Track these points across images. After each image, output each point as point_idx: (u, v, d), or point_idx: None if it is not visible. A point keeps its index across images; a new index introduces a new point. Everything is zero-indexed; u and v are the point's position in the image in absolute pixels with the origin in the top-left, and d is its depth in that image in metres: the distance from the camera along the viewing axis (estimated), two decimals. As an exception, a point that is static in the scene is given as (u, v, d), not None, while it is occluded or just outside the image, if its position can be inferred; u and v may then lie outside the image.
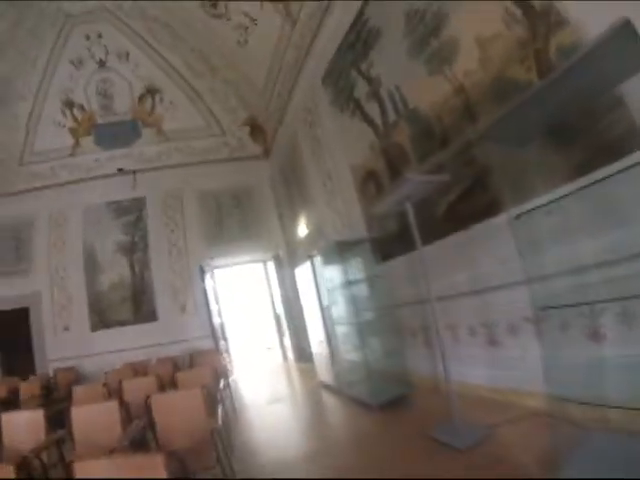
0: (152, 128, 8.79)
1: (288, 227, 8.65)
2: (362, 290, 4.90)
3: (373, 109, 4.87)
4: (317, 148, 6.57)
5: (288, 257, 8.67)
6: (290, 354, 8.78)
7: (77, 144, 8.58)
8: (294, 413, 4.80)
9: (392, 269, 4.76)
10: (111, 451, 2.26)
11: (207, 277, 8.38)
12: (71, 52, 7.73)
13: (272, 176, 9.14)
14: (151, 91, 8.50)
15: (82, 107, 8.42)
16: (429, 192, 3.18)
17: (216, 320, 8.26)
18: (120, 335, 7.83)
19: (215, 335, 8.02)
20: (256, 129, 9.09)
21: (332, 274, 5.15)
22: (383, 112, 4.68)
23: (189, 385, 3.46)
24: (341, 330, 5.10)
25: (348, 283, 4.81)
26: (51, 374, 7.15)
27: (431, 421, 3.08)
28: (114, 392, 4.07)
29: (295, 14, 6.10)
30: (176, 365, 5.98)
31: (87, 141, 8.61)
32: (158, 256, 8.34)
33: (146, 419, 2.78)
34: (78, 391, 4.18)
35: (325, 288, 5.26)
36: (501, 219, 3.00)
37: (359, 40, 4.90)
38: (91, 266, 8.16)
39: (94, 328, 7.94)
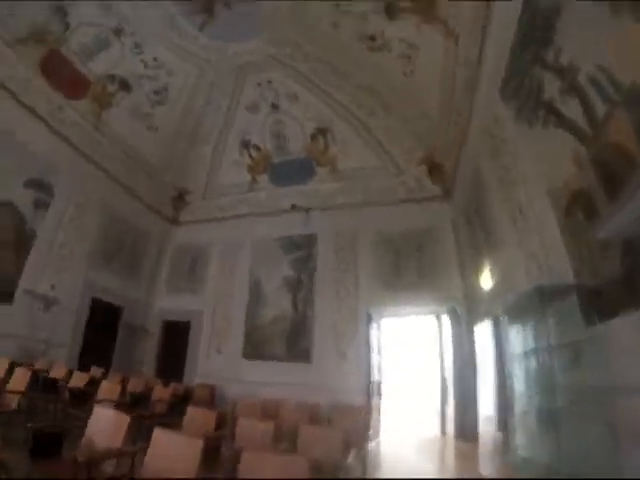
0: (326, 167, 9.08)
1: (470, 277, 7.31)
2: (561, 361, 3.39)
3: (572, 108, 3.55)
4: (505, 177, 5.31)
5: (467, 312, 7.27)
6: (450, 427, 7.14)
7: (254, 181, 9.62)
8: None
9: (611, 333, 3.13)
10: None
11: (373, 325, 7.79)
12: (246, 98, 8.77)
13: (454, 218, 8.07)
14: (323, 131, 8.81)
15: (258, 147, 9.41)
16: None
17: (374, 374, 7.48)
18: (269, 368, 7.91)
19: (370, 390, 7.22)
20: (435, 168, 8.32)
21: (520, 336, 3.89)
22: (587, 107, 3.32)
23: (307, 448, 2.85)
24: (522, 411, 3.64)
25: (541, 349, 3.44)
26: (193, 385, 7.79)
27: None
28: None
29: (453, 26, 5.40)
30: (313, 416, 5.45)
31: (263, 178, 9.52)
32: (323, 296, 8.24)
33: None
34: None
35: (509, 354, 3.98)
36: None
37: (534, 28, 3.81)
38: (254, 297, 8.68)
39: (245, 356, 8.27)
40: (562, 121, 3.73)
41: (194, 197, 10.49)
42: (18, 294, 6.42)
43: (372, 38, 6.74)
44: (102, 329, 8.20)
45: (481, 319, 5.52)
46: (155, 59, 7.64)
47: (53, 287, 7.07)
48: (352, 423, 4.50)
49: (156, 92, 8.23)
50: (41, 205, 6.92)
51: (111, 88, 7.67)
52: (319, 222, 8.87)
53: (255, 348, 8.37)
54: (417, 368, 9.98)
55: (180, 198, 10.52)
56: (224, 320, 8.91)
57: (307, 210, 9.00)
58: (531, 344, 3.72)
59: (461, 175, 7.26)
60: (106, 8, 6.62)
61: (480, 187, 6.27)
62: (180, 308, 9.30)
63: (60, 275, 7.26)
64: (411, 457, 5.94)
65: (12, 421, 3.80)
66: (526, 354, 3.69)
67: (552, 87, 3.80)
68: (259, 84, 8.53)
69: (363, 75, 7.69)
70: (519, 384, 3.73)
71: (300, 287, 8.51)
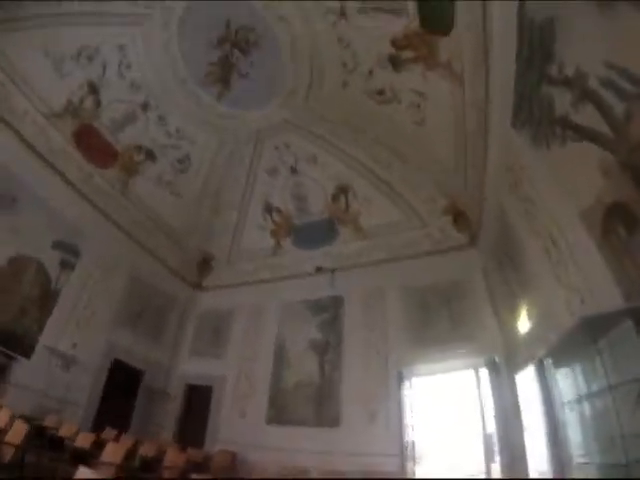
0: (349, 226, 8.99)
1: (506, 323, 6.61)
2: (624, 403, 2.66)
3: (587, 116, 3.25)
4: (530, 209, 4.91)
5: (506, 361, 6.48)
6: None
7: (278, 245, 9.63)
8: None
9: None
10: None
11: (406, 385, 7.07)
12: (266, 163, 9.07)
13: (483, 265, 7.57)
14: (343, 189, 8.86)
15: (279, 210, 9.53)
16: None
17: (409, 437, 6.58)
18: (295, 434, 7.28)
19: (404, 455, 6.34)
20: (459, 216, 8.02)
21: (569, 378, 3.27)
22: (604, 110, 3.02)
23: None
24: (580, 466, 2.83)
25: (597, 392, 2.78)
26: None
27: None
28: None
29: (457, 68, 5.45)
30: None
31: (286, 242, 9.52)
32: (352, 358, 7.72)
33: None
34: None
35: (558, 401, 3.29)
36: None
37: (533, 46, 3.72)
38: (279, 361, 8.30)
39: (269, 421, 7.73)
40: (580, 132, 3.42)
41: (218, 262, 10.61)
42: (38, 349, 6.46)
43: (381, 92, 6.95)
44: (122, 391, 8.02)
45: (523, 366, 4.92)
46: (177, 130, 8.28)
47: (74, 346, 7.09)
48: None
49: (179, 161, 8.79)
50: (67, 266, 7.20)
51: (137, 157, 8.26)
52: (344, 282, 8.59)
53: (279, 413, 7.81)
54: (456, 427, 8.64)
55: (205, 263, 10.65)
56: (247, 384, 8.51)
57: (332, 271, 8.79)
58: (583, 387, 3.03)
59: (486, 218, 6.88)
60: (136, 87, 7.41)
61: (507, 225, 5.86)
62: (203, 372, 9.07)
63: (82, 334, 7.30)
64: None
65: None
66: (579, 399, 2.99)
67: (563, 101, 3.57)
68: (277, 148, 8.86)
69: (376, 129, 7.81)
70: (575, 435, 2.96)
71: (327, 349, 8.02)
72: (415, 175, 8.22)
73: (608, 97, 2.93)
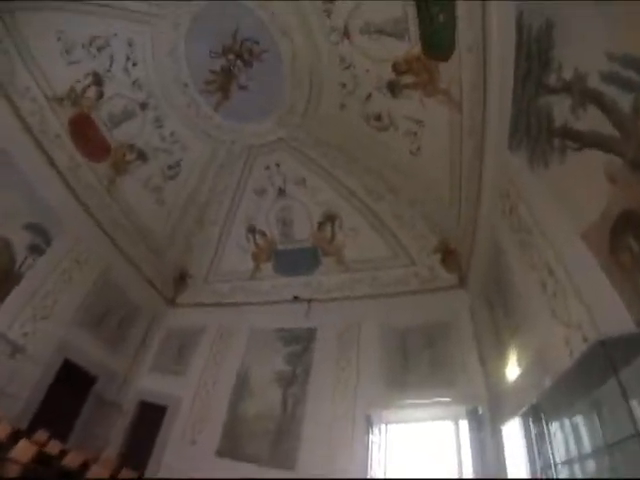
0: (332, 257, 8.57)
1: (492, 370, 5.95)
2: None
3: (589, 119, 2.96)
4: (526, 239, 4.49)
5: (490, 413, 5.77)
6: None
7: (257, 268, 9.18)
8: None
9: None
10: None
11: (375, 431, 6.26)
12: (254, 182, 8.78)
13: (471, 307, 7.08)
14: (330, 218, 8.52)
15: (264, 233, 9.15)
16: None
17: None
18: (245, 471, 6.37)
19: None
20: (449, 255, 7.66)
21: (566, 433, 2.68)
22: (608, 108, 2.72)
23: None
24: None
25: (602, 450, 2.18)
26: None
27: None
28: None
29: (457, 95, 5.33)
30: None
31: (267, 267, 9.07)
32: (318, 395, 6.99)
33: None
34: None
35: (551, 460, 2.71)
36: None
37: (532, 55, 3.55)
38: (241, 388, 7.60)
39: (220, 453, 6.89)
40: (582, 139, 3.12)
41: (195, 280, 10.11)
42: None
43: (378, 117, 6.84)
44: (69, 394, 7.29)
45: (508, 418, 4.33)
46: (172, 134, 8.08)
47: (26, 335, 6.47)
48: None
49: (170, 167, 8.53)
50: (36, 250, 6.72)
51: (129, 156, 8.01)
52: (320, 315, 8.05)
53: (232, 445, 6.95)
54: None
55: (181, 279, 10.15)
56: (203, 409, 7.70)
57: (309, 301, 8.28)
58: (586, 443, 2.40)
59: (477, 255, 6.50)
60: (139, 85, 7.37)
61: (499, 261, 5.46)
62: (160, 390, 8.32)
63: (37, 325, 6.66)
64: None
65: None
66: (582, 459, 2.36)
67: (562, 109, 3.31)
68: (267, 167, 8.64)
69: (371, 157, 7.62)
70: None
71: (293, 382, 7.32)
72: (407, 209, 7.94)
73: (611, 92, 2.66)
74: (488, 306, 6.14)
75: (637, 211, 2.64)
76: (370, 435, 6.08)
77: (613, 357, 2.37)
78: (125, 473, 6.25)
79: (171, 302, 9.99)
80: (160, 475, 6.96)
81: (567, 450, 3.05)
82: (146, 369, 8.89)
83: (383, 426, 6.52)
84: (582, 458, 2.81)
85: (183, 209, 9.24)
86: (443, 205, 7.04)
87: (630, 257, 2.69)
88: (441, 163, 6.41)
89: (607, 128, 2.74)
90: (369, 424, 6.17)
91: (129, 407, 8.27)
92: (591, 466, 2.67)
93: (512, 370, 4.90)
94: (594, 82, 2.82)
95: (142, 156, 8.13)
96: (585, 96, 2.96)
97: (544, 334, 4.04)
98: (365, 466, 5.90)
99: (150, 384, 8.54)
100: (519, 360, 4.73)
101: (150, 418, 7.99)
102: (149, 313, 9.45)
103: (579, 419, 2.94)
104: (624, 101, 2.55)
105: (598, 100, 2.81)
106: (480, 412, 5.85)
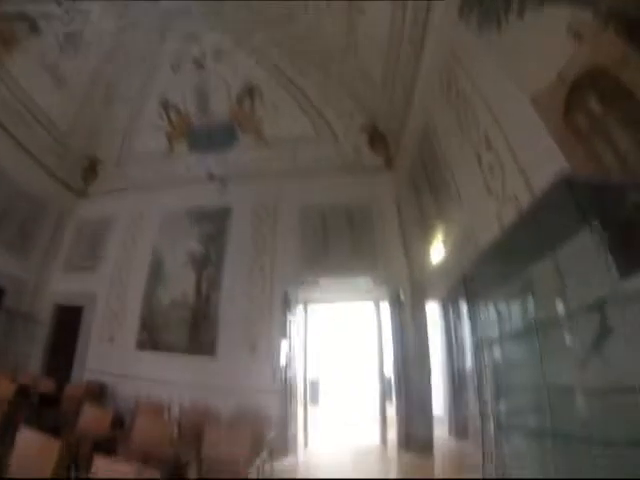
0: (251, 133, 7.68)
1: (417, 255, 6.07)
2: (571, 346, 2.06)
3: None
4: (463, 111, 4.10)
5: (412, 296, 6.08)
6: (393, 435, 5.84)
7: (171, 148, 8.04)
8: None
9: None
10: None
11: (295, 311, 6.33)
12: (169, 54, 7.21)
13: (397, 191, 6.99)
14: (250, 91, 7.43)
15: (178, 109, 7.85)
16: None
17: (295, 371, 6.01)
18: (166, 362, 6.31)
19: (288, 392, 5.73)
20: (376, 136, 7.27)
21: (492, 313, 2.75)
22: None
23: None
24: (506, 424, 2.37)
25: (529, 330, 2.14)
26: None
27: None
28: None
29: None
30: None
31: (181, 145, 7.96)
32: (233, 276, 6.72)
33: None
34: None
35: (475, 341, 2.72)
36: None
37: None
38: (155, 276, 7.05)
39: (140, 346, 6.63)
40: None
41: (105, 166, 8.68)
42: None
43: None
44: None
45: (430, 299, 4.51)
46: (74, -2, 5.82)
47: None
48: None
49: (68, 38, 6.44)
50: None
51: (18, 27, 6.01)
52: (237, 194, 7.43)
53: (151, 336, 6.67)
54: (353, 365, 8.43)
55: (91, 168, 8.68)
56: (119, 303, 7.18)
57: (223, 179, 7.52)
58: (509, 323, 2.44)
59: (408, 138, 6.21)
60: None
61: (432, 143, 5.17)
62: (74, 290, 7.59)
63: None
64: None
65: None
66: (501, 338, 2.42)
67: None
68: (184, 37, 6.99)
69: (298, 26, 6.40)
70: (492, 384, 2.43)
71: (207, 265, 6.94)
72: (335, 88, 7.14)
73: None
74: (414, 189, 6.09)
75: (606, 68, 2.36)
76: (288, 315, 6.15)
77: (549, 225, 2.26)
78: (48, 385, 5.73)
79: (81, 194, 8.66)
80: (87, 378, 6.60)
81: (492, 331, 2.94)
82: (59, 271, 7.98)
83: (303, 306, 6.71)
84: (506, 338, 2.81)
85: (88, 88, 7.39)
86: (375, 85, 6.43)
87: (588, 121, 2.50)
88: (377, 42, 5.57)
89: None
90: (287, 304, 6.19)
91: (45, 315, 7.53)
92: (518, 347, 2.67)
93: (438, 251, 4.97)
94: None
95: (34, 27, 6.09)
96: None
97: (475, 211, 3.98)
98: (285, 350, 6.05)
99: (64, 286, 7.74)
100: (445, 241, 4.78)
101: (68, 322, 7.36)
102: (55, 210, 8.20)
103: (505, 302, 2.87)
104: None
105: None
106: (402, 296, 6.12)
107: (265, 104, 7.57)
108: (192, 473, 3.32)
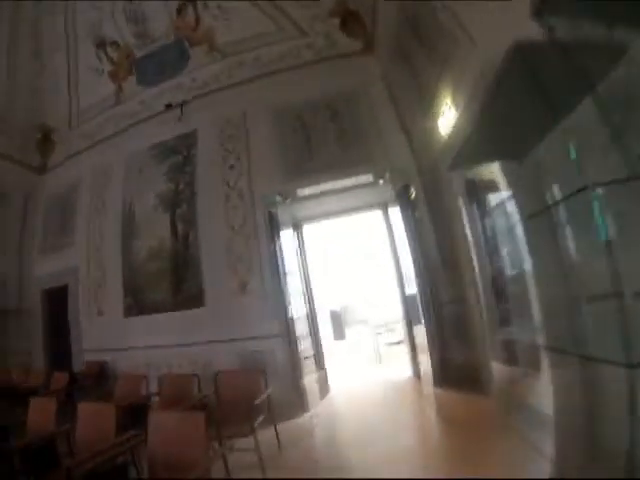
0: (202, 45, 6.48)
1: (420, 132, 4.74)
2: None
3: None
4: None
5: (425, 188, 4.87)
6: (427, 366, 4.76)
7: (120, 89, 6.97)
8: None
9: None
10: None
11: (285, 234, 5.42)
12: None
13: (383, 67, 5.64)
14: None
15: (115, 43, 6.74)
16: None
17: (296, 306, 5.14)
18: (155, 325, 5.60)
19: (290, 331, 4.89)
20: (350, 17, 5.87)
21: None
22: None
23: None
24: None
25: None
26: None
27: None
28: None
29: None
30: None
31: (130, 83, 6.89)
32: (210, 207, 5.77)
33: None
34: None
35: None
36: None
37: None
38: (128, 230, 6.23)
39: (127, 313, 5.95)
40: None
41: (59, 133, 7.82)
42: None
43: None
44: None
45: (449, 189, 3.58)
46: None
47: None
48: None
49: None
50: None
51: None
52: (200, 115, 6.38)
53: (136, 299, 5.99)
54: (367, 287, 7.38)
55: (45, 139, 7.85)
56: (100, 271, 6.53)
57: (182, 104, 6.51)
58: None
59: (386, 10, 4.73)
60: None
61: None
62: (56, 270, 7.02)
63: None
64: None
65: None
66: None
67: None
68: None
69: None
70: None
71: (179, 202, 6.02)
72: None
73: None
74: (404, 60, 4.73)
75: None
76: (278, 238, 5.20)
77: None
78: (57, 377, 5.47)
79: (42, 170, 7.97)
80: (87, 358, 6.25)
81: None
82: (37, 255, 7.49)
83: (295, 226, 5.69)
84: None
85: (9, 49, 6.48)
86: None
87: None
88: None
89: None
90: (274, 227, 5.22)
91: (34, 306, 7.17)
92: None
93: (446, 123, 3.70)
94: None
95: None
96: None
97: (489, 39, 2.67)
98: (283, 272, 5.20)
99: (45, 269, 7.22)
100: (452, 103, 3.53)
101: (58, 306, 6.90)
102: (20, 195, 7.65)
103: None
104: None
105: None
106: (412, 189, 4.90)
107: (210, 9, 6.29)
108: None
